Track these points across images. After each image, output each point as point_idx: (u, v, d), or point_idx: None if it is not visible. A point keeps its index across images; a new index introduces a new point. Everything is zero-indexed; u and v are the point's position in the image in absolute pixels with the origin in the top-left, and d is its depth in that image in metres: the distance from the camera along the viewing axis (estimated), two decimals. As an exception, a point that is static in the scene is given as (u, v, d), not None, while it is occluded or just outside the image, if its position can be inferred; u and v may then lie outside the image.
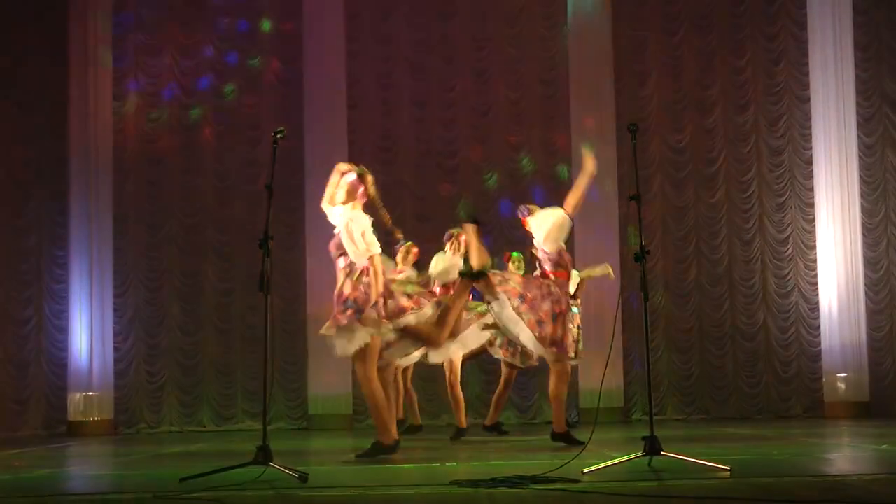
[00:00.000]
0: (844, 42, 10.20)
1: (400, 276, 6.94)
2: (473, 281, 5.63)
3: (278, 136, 4.65)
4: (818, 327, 10.17)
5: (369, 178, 5.39)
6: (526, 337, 5.79)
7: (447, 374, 7.16)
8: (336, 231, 5.34)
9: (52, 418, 9.80)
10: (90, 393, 9.64)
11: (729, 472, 3.97)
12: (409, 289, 5.52)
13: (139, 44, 10.43)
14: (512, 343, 6.70)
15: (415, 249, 7.41)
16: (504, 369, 7.26)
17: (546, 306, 5.79)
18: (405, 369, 7.51)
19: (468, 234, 5.90)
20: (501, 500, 3.35)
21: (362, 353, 5.17)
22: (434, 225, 9.86)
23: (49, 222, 10.01)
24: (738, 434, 6.74)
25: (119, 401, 9.87)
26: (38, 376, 9.77)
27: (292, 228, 10.25)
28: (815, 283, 10.23)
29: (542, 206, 6.62)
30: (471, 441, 6.94)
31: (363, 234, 5.23)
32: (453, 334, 5.69)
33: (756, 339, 10.26)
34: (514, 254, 8.31)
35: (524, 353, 6.78)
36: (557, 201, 10.37)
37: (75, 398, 9.68)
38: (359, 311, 5.12)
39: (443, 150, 10.48)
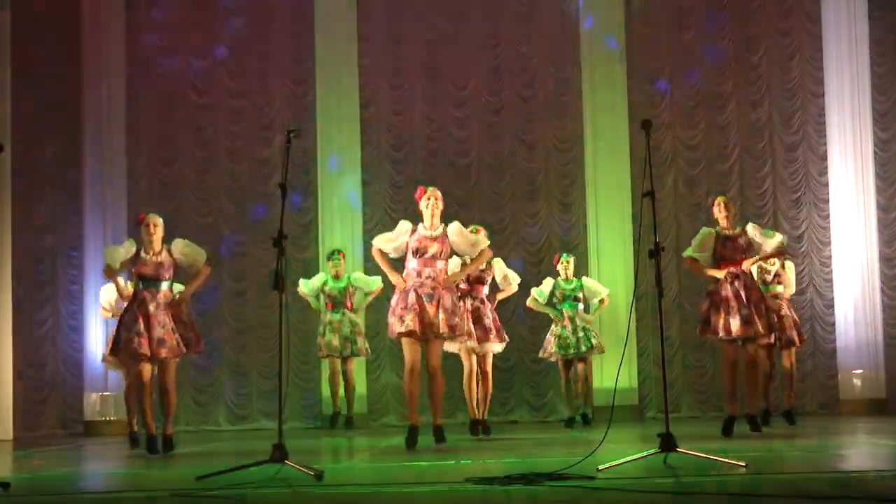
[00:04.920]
0: (859, 36, 10.13)
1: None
2: None
3: (292, 134, 4.67)
4: (833, 324, 10.10)
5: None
6: None
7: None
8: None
9: (69, 418, 9.87)
10: (106, 393, 9.71)
11: (745, 469, 3.96)
12: None
13: (152, 45, 10.48)
14: None
15: None
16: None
17: None
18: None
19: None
20: (516, 498, 3.35)
21: None
22: (447, 224, 9.86)
23: (64, 223, 10.08)
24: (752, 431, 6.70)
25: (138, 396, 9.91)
26: (55, 377, 9.84)
27: (305, 228, 10.29)
28: (831, 280, 10.17)
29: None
30: (482, 438, 6.94)
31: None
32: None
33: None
34: (564, 256, 8.44)
35: None
36: (566, 199, 10.43)
37: (91, 398, 9.75)
38: None
39: (455, 148, 10.48)
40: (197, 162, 10.46)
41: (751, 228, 6.62)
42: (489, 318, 7.01)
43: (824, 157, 10.32)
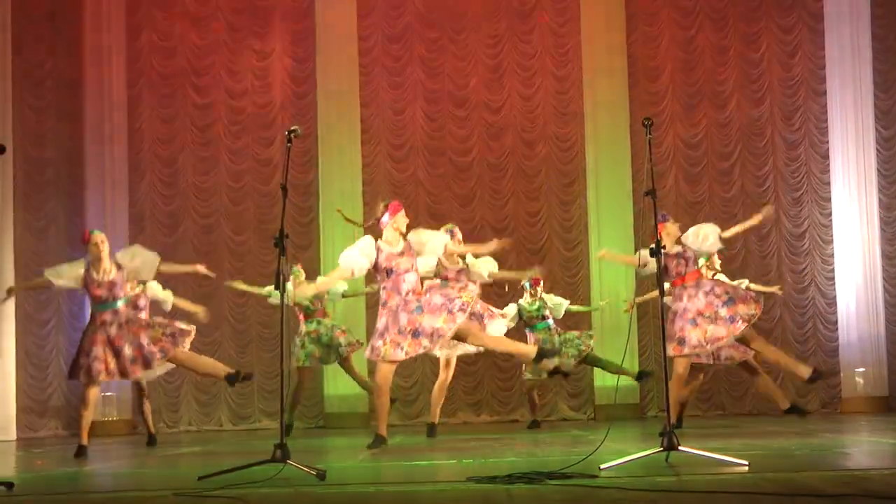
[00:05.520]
0: (861, 33, 10.12)
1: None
2: None
3: (293, 134, 4.66)
4: (836, 322, 10.10)
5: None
6: None
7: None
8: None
9: (72, 418, 9.86)
10: (108, 393, 9.72)
11: (747, 467, 3.95)
12: None
13: (153, 45, 10.49)
14: None
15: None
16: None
17: None
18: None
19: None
20: (518, 497, 3.34)
21: None
22: (448, 223, 9.87)
23: (66, 223, 10.09)
24: (756, 429, 6.71)
25: (137, 401, 9.92)
26: (58, 377, 9.85)
27: (306, 228, 10.30)
28: (833, 278, 10.16)
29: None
30: (483, 438, 6.94)
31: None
32: None
33: (773, 335, 10.18)
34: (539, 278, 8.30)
35: None
36: (566, 197, 10.43)
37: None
38: None
39: (456, 147, 10.48)
40: (197, 162, 10.47)
41: (688, 237, 6.57)
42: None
43: (826, 155, 10.30)
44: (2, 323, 9.25)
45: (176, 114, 10.48)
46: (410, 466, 4.81)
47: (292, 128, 4.71)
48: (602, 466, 4.02)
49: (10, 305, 9.36)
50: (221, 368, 6.34)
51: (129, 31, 10.37)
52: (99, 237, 6.24)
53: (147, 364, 6.12)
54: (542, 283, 8.30)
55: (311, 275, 10.11)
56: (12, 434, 9.10)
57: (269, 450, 4.30)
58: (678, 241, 6.54)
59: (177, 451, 6.74)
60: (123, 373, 6.10)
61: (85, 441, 6.21)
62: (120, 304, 6.17)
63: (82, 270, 6.19)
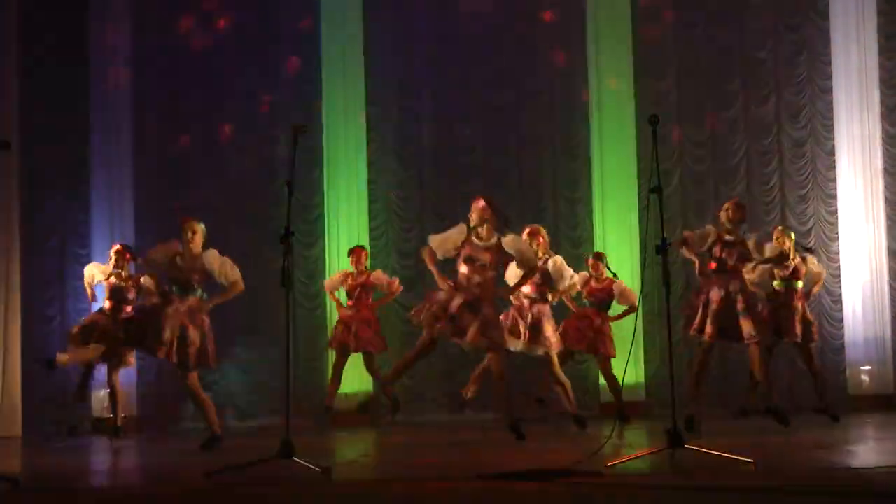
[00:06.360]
0: (868, 31, 10.09)
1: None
2: None
3: (299, 132, 4.67)
4: (841, 320, 10.07)
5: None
6: None
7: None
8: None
9: (77, 415, 9.89)
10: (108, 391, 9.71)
11: (752, 465, 3.95)
12: None
13: (158, 42, 10.49)
14: None
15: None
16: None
17: None
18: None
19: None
20: (525, 493, 3.35)
21: None
22: (454, 222, 9.84)
23: (71, 221, 10.09)
24: (761, 427, 6.70)
25: (142, 398, 9.94)
26: (63, 373, 9.84)
27: (312, 225, 10.31)
28: (838, 276, 10.14)
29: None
30: (490, 434, 6.95)
31: None
32: None
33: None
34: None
35: None
36: (572, 196, 10.41)
37: (99, 395, 9.76)
38: None
39: (462, 146, 10.47)
40: (203, 159, 10.47)
41: (751, 243, 6.74)
42: (545, 323, 7.16)
43: (832, 153, 10.28)
44: (7, 319, 9.27)
45: (181, 111, 10.47)
46: (417, 463, 4.81)
47: (299, 125, 4.73)
48: (608, 464, 4.02)
49: (15, 302, 9.37)
50: (212, 422, 6.53)
51: (134, 28, 10.36)
52: (191, 226, 6.25)
53: (184, 358, 6.11)
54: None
55: (316, 277, 10.16)
56: (17, 430, 9.11)
57: (274, 446, 4.31)
58: (734, 230, 6.56)
59: (182, 447, 6.75)
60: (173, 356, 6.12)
61: (216, 429, 6.42)
62: (192, 295, 6.17)
63: (175, 250, 6.22)
